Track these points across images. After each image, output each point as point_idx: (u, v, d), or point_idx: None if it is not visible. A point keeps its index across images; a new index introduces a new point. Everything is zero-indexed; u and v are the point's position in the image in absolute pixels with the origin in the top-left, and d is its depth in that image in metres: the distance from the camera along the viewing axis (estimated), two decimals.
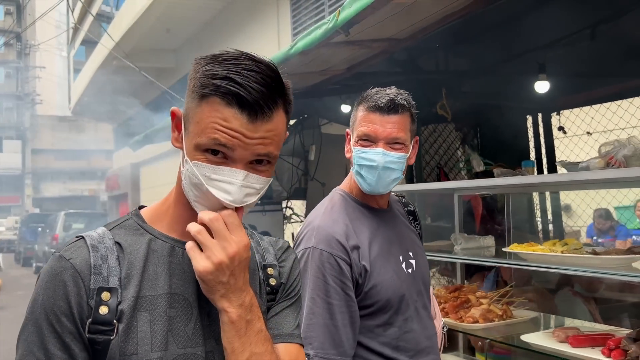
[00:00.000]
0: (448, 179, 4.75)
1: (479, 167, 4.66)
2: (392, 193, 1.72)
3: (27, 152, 34.86)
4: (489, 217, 4.57)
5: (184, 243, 0.96)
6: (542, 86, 3.99)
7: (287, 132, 1.01)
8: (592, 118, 4.93)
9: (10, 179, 34.23)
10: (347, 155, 1.58)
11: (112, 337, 0.90)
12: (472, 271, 3.71)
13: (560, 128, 5.04)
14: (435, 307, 1.81)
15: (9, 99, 35.59)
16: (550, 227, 5.07)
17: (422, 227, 1.80)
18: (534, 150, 5.30)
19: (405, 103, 1.51)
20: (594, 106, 4.91)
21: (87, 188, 33.45)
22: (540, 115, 5.23)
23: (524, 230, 4.10)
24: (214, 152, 0.91)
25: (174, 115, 1.00)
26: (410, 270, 1.57)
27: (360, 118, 1.53)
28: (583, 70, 4.37)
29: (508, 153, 4.79)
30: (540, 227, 5.00)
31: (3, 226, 26.43)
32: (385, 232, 1.58)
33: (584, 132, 5.04)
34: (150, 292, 0.95)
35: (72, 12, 15.75)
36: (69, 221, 15.20)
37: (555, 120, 5.19)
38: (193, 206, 0.96)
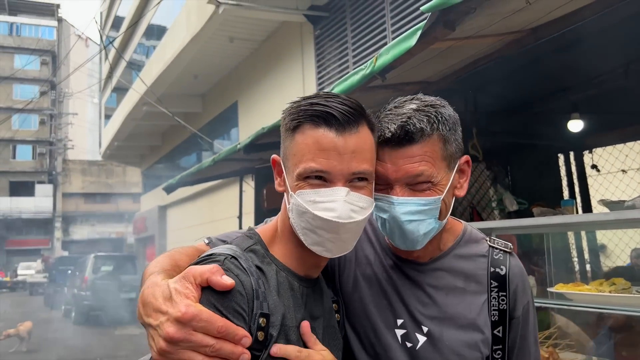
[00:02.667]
0: (481, 219, 4.71)
1: (512, 206, 4.63)
2: (487, 241, 1.24)
3: (58, 196, 35.77)
4: (523, 257, 4.50)
5: (298, 277, 1.04)
6: (575, 125, 3.99)
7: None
8: (627, 156, 4.88)
9: (41, 223, 35.03)
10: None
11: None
12: None
13: (594, 166, 5.00)
14: None
15: (42, 145, 36.84)
16: (588, 267, 4.96)
17: (517, 303, 1.19)
18: (567, 189, 5.25)
19: (427, 125, 1.07)
20: (627, 144, 4.87)
21: (114, 231, 33.97)
22: (572, 153, 5.20)
23: (562, 270, 4.02)
24: (316, 178, 0.96)
25: (274, 162, 1.07)
26: (409, 345, 1.14)
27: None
28: (615, 108, 4.37)
29: (540, 192, 4.76)
30: (577, 267, 4.90)
31: (33, 269, 26.86)
32: (395, 284, 1.18)
33: (618, 169, 4.99)
34: (289, 322, 0.98)
35: (109, 61, 16.41)
36: (98, 264, 15.39)
37: (587, 158, 5.15)
38: (302, 240, 1.00)
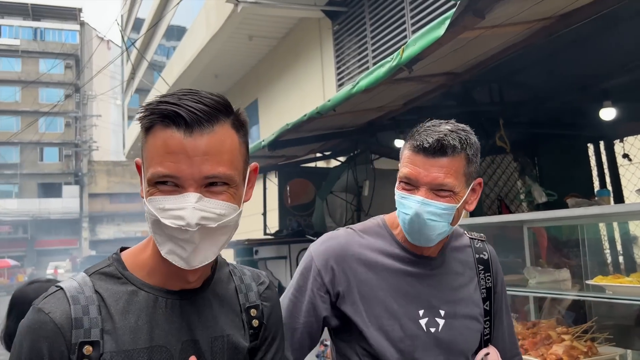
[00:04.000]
0: (510, 211, 4.63)
1: (541, 198, 4.54)
2: (466, 235, 1.51)
3: (84, 197, 36.48)
4: (554, 248, 4.42)
5: (168, 292, 0.97)
6: (607, 113, 3.89)
7: (249, 157, 0.99)
8: None
9: (69, 223, 35.79)
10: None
11: None
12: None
13: (625, 155, 4.86)
14: None
15: (68, 147, 37.59)
16: (621, 259, 4.84)
17: (498, 279, 1.50)
18: (597, 179, 5.12)
19: (458, 144, 1.26)
20: None
21: (140, 230, 34.51)
22: (602, 142, 5.08)
23: (596, 263, 3.93)
24: (164, 183, 0.89)
25: (137, 167, 0.96)
26: (432, 330, 1.33)
27: (405, 157, 1.33)
28: None
29: (569, 183, 4.65)
30: (609, 259, 4.79)
31: (62, 269, 27.46)
32: (411, 278, 1.36)
33: None
34: (130, 345, 0.91)
35: (131, 62, 16.62)
36: None
37: (618, 147, 5.02)
38: (160, 249, 0.92)
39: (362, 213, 6.15)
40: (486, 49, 2.88)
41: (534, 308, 3.10)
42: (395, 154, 5.97)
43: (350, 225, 1.46)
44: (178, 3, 11.19)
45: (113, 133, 38.50)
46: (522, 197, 4.78)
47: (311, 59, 8.87)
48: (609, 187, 5.05)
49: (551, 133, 4.93)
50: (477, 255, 1.47)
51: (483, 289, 1.44)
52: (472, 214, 4.39)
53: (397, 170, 1.38)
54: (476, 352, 1.44)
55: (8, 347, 2.17)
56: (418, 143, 1.27)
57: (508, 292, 3.11)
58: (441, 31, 2.15)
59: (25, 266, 29.78)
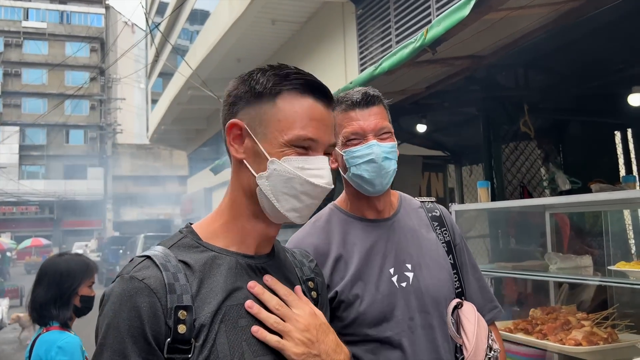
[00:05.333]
0: (532, 198, 4.58)
1: (565, 185, 4.47)
2: (416, 199, 1.62)
3: (108, 179, 37.12)
4: (576, 236, 4.36)
5: (247, 257, 1.03)
6: (636, 99, 3.80)
7: None
8: None
9: (94, 205, 36.48)
10: (333, 165, 1.45)
11: (189, 356, 0.89)
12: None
13: None
14: (466, 328, 1.44)
15: (93, 130, 38.19)
16: None
17: (455, 233, 1.57)
18: (624, 167, 5.02)
19: (379, 94, 1.45)
20: None
21: (162, 212, 35.02)
22: (630, 130, 4.97)
23: (620, 250, 3.88)
24: (302, 147, 0.98)
25: (236, 127, 1.01)
26: (404, 284, 1.40)
27: (341, 119, 1.43)
28: None
29: (595, 171, 4.57)
30: (634, 248, 4.71)
31: (89, 248, 28.11)
32: (374, 242, 1.44)
33: None
34: (224, 304, 0.95)
35: (155, 45, 16.74)
36: (148, 243, 15.92)
37: None
38: (278, 206, 0.99)
39: None
40: (512, 31, 2.83)
41: (554, 294, 3.08)
42: (417, 140, 5.93)
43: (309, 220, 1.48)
44: None
45: (137, 116, 38.96)
46: (545, 184, 4.72)
47: (334, 44, 8.82)
48: (636, 176, 4.95)
49: (577, 119, 4.84)
50: (429, 214, 1.57)
51: (442, 243, 1.53)
52: (493, 199, 4.36)
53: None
54: None
55: (39, 316, 2.23)
56: (349, 101, 1.42)
57: (529, 278, 3.08)
58: (466, 11, 2.13)
59: (52, 246, 30.54)
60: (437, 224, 1.56)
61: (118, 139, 38.81)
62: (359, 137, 1.42)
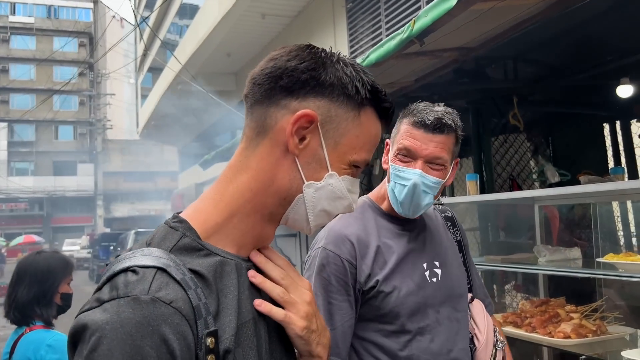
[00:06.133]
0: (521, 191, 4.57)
1: (554, 178, 4.48)
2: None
3: (98, 175, 36.84)
4: (565, 229, 4.37)
5: (246, 261, 0.86)
6: (625, 91, 3.79)
7: None
8: None
9: (84, 201, 36.24)
10: (384, 166, 1.52)
11: None
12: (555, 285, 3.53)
13: None
14: (477, 321, 1.58)
15: (82, 125, 37.85)
16: (634, 240, 4.78)
17: (463, 233, 1.68)
18: (612, 160, 5.03)
19: (453, 124, 1.42)
20: None
21: (154, 208, 34.84)
22: (618, 122, 4.98)
23: (608, 242, 3.89)
24: (356, 167, 0.89)
25: (308, 118, 0.81)
26: (434, 280, 1.47)
27: (403, 131, 1.44)
28: None
29: (584, 163, 4.58)
30: (622, 240, 4.73)
31: (79, 245, 27.91)
32: (408, 239, 1.50)
33: None
34: (240, 321, 0.79)
35: (143, 40, 16.62)
36: (139, 239, 15.85)
37: (635, 127, 4.92)
38: (311, 220, 0.88)
39: None
40: (500, 22, 2.81)
41: (543, 287, 3.07)
42: None
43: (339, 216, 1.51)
44: None
45: (127, 112, 38.64)
46: (534, 176, 4.73)
47: (324, 37, 8.77)
48: (625, 169, 4.96)
49: (566, 112, 4.84)
50: (442, 215, 1.66)
51: (454, 242, 1.62)
52: (483, 192, 4.35)
53: None
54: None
55: (22, 316, 2.18)
56: (419, 119, 1.40)
57: (517, 270, 3.07)
58: (453, 1, 2.09)
59: (44, 242, 30.31)
60: (450, 224, 1.65)
61: (108, 134, 38.49)
62: (410, 156, 1.42)
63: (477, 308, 1.60)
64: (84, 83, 37.42)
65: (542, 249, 2.79)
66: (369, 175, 6.18)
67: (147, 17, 16.86)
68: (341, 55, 0.87)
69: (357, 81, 0.84)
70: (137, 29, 15.60)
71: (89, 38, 38.13)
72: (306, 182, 0.84)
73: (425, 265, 1.48)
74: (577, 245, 3.58)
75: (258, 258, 0.87)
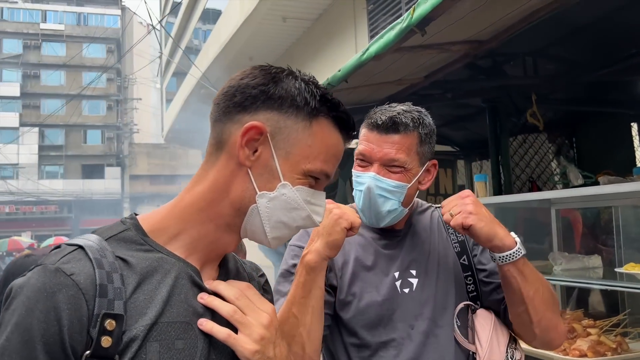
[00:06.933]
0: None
1: (577, 180, 4.23)
2: (434, 206, 1.53)
3: (125, 178, 37.46)
4: (590, 235, 4.09)
5: (192, 267, 0.88)
6: None
7: None
8: None
9: (111, 203, 36.87)
10: None
11: None
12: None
13: None
14: (480, 335, 1.37)
15: (110, 130, 38.57)
16: None
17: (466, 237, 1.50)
18: None
19: (410, 122, 1.33)
20: None
21: None
22: None
23: (632, 249, 3.61)
24: (316, 178, 0.90)
25: (256, 130, 0.85)
26: (406, 290, 1.36)
27: (360, 136, 1.39)
28: None
29: (610, 165, 4.30)
30: None
31: None
32: (381, 247, 1.41)
33: None
34: (162, 318, 0.80)
35: (165, 46, 16.83)
36: None
37: None
38: (267, 232, 0.89)
39: None
40: (509, 11, 2.58)
41: (560, 298, 2.84)
42: None
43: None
44: None
45: (153, 116, 39.21)
46: (556, 179, 4.47)
47: (345, 40, 8.69)
48: None
49: (591, 110, 4.56)
50: (442, 217, 1.47)
51: (455, 243, 1.45)
52: (499, 194, 4.10)
53: None
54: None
55: None
56: (372, 121, 1.34)
57: None
58: None
59: None
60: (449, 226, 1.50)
61: (135, 138, 39.15)
62: (366, 161, 1.36)
63: (483, 319, 1.38)
64: (111, 88, 38.15)
65: (558, 256, 2.56)
66: None
67: (162, 19, 17.01)
68: (293, 71, 0.91)
69: (307, 92, 0.87)
70: (162, 33, 15.79)
71: (117, 44, 38.87)
72: (259, 192, 0.87)
73: (397, 274, 1.37)
74: (601, 252, 3.32)
75: (212, 284, 0.88)
